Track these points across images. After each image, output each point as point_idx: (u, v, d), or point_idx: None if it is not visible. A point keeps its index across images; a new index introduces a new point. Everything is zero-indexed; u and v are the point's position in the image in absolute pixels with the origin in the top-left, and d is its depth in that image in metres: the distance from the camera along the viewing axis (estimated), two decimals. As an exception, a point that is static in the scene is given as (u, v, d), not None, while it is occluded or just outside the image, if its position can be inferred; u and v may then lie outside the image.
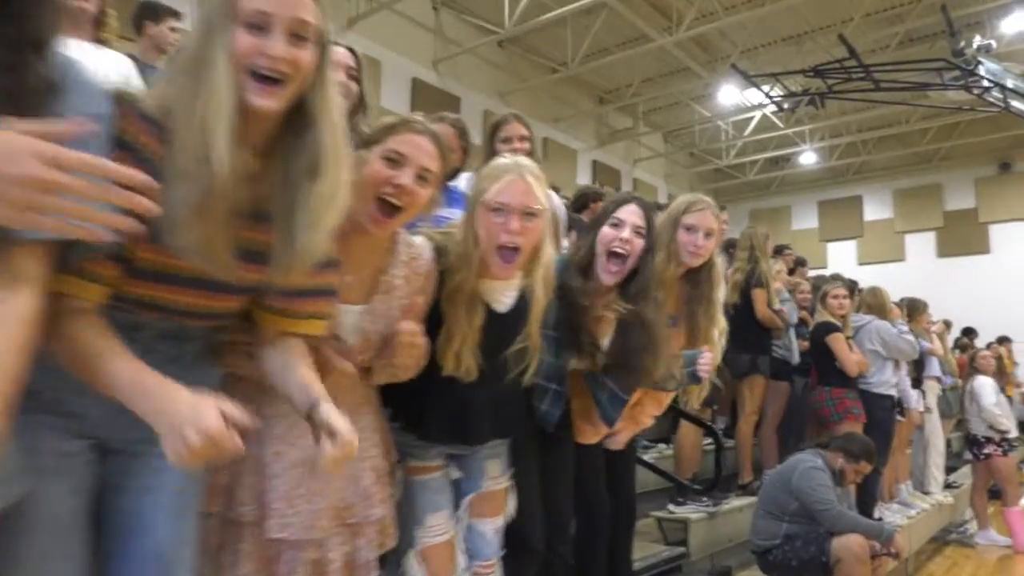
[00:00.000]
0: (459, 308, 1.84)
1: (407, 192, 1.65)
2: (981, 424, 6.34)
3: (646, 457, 4.64)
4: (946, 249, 18.33)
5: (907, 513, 5.54)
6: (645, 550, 4.10)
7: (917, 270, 17.55)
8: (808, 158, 18.51)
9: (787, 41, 14.12)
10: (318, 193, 1.27)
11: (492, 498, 2.06)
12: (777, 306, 4.98)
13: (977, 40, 11.56)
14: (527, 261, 1.93)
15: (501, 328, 1.93)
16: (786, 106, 16.16)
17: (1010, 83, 11.33)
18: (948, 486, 7.21)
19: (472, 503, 2.03)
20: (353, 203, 1.64)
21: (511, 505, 2.10)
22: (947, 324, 11.00)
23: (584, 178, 15.79)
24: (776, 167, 19.58)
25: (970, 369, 6.86)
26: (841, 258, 18.65)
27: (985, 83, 11.38)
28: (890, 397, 5.11)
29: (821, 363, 4.91)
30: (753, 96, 15.67)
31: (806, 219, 20.09)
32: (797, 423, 5.41)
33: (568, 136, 15.62)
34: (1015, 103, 11.93)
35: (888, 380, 5.04)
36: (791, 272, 7.08)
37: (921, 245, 18.64)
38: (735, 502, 4.64)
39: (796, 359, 5.26)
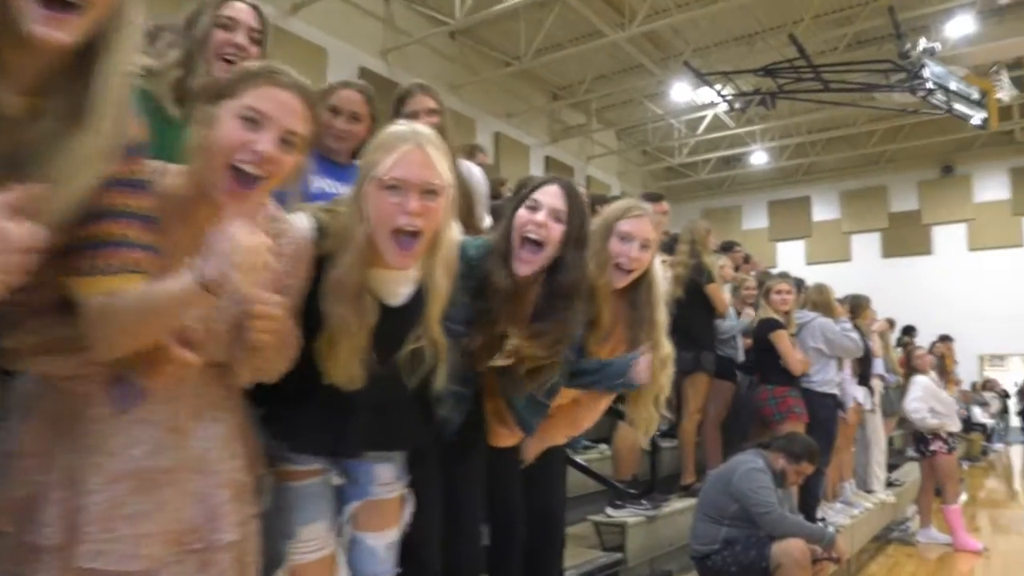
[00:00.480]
0: (344, 304, 1.54)
1: (267, 160, 1.36)
2: (930, 417, 6.29)
3: (581, 458, 4.42)
4: (890, 250, 18.61)
5: (850, 512, 5.43)
6: (581, 556, 3.88)
7: (863, 270, 17.77)
8: (759, 158, 18.60)
9: (739, 41, 14.10)
10: (78, 147, 1.03)
11: (382, 508, 1.75)
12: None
13: (923, 43, 11.66)
14: (427, 247, 1.63)
15: (395, 326, 1.65)
16: (737, 106, 16.18)
17: (953, 85, 11.45)
18: (890, 484, 7.17)
19: (358, 513, 1.71)
20: (200, 170, 1.38)
21: (407, 516, 1.81)
22: (890, 323, 11.06)
23: (537, 174, 15.59)
24: (728, 167, 19.65)
25: (908, 368, 6.83)
26: (790, 258, 18.78)
27: (929, 85, 11.48)
28: (833, 396, 4.98)
29: (763, 361, 4.76)
30: (705, 95, 15.65)
31: (756, 219, 20.21)
32: (743, 422, 5.26)
33: (521, 132, 15.40)
34: (958, 106, 12.06)
35: (831, 379, 4.91)
36: (737, 269, 6.96)
37: (867, 246, 18.89)
38: (676, 504, 4.45)
39: (741, 357, 5.11)
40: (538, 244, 1.96)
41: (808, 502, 4.79)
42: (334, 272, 1.55)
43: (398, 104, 2.70)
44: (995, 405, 16.17)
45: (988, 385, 16.86)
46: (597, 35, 12.42)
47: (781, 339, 4.64)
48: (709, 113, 17.00)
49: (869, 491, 6.33)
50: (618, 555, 3.91)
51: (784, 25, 13.02)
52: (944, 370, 10.19)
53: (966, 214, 17.86)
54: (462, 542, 2.08)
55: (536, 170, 15.75)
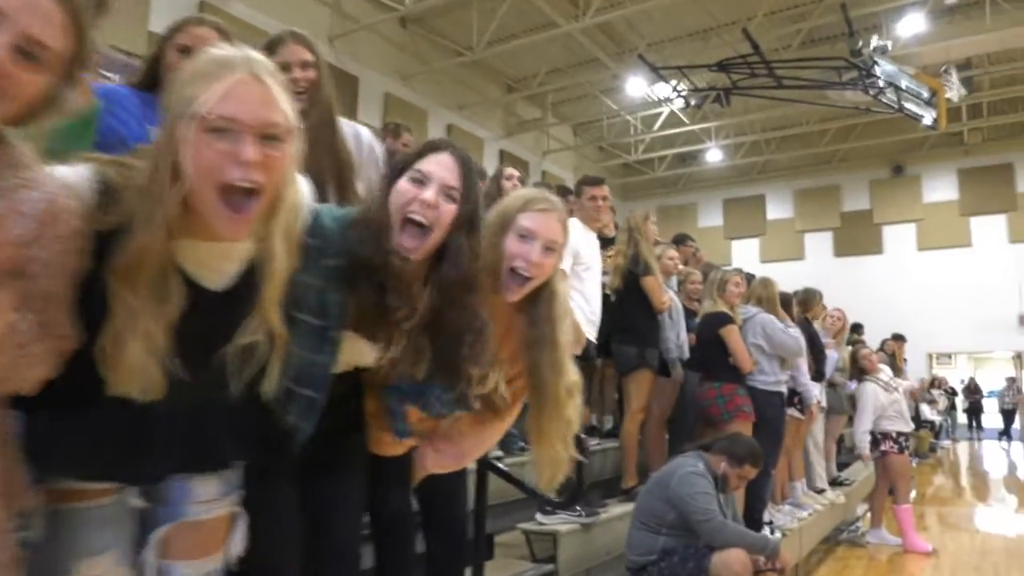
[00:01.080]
0: (136, 289, 1.16)
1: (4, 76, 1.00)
2: (880, 420, 6.10)
3: (514, 460, 4.10)
4: (842, 249, 18.67)
5: (798, 515, 5.19)
6: (508, 568, 3.55)
7: (815, 269, 17.75)
8: (714, 155, 18.51)
9: (693, 36, 13.92)
10: None
11: (201, 530, 1.37)
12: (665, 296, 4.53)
13: (874, 41, 11.61)
14: (265, 210, 1.24)
15: (218, 315, 1.28)
16: (693, 102, 16.05)
17: (904, 84, 11.41)
18: (839, 483, 6.99)
19: (167, 538, 1.34)
20: None
21: (236, 541, 1.43)
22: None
23: (491, 168, 15.24)
24: (683, 164, 19.55)
25: (854, 369, 6.59)
26: (745, 256, 18.73)
27: (881, 83, 11.44)
28: (780, 394, 4.73)
29: (710, 357, 4.48)
30: (661, 90, 15.50)
31: (712, 217, 20.15)
32: (691, 422, 4.98)
33: (474, 124, 15.02)
34: (909, 105, 12.04)
35: (778, 377, 4.66)
36: (687, 264, 6.73)
37: (819, 244, 18.94)
38: (616, 509, 4.14)
39: (686, 353, 4.81)
40: (421, 227, 1.54)
41: (754, 505, 4.52)
42: (126, 246, 1.15)
43: (266, 54, 2.30)
44: (943, 402, 16.29)
45: (936, 383, 17.00)
46: (551, 26, 12.10)
47: (732, 334, 4.37)
48: (665, 110, 16.86)
49: (818, 490, 6.11)
50: (549, 566, 3.58)
51: (738, 21, 12.86)
52: (896, 369, 10.10)
53: (916, 214, 18.00)
54: (333, 564, 1.72)
55: (490, 164, 15.39)
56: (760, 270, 13.59)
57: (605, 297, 4.65)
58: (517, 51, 13.81)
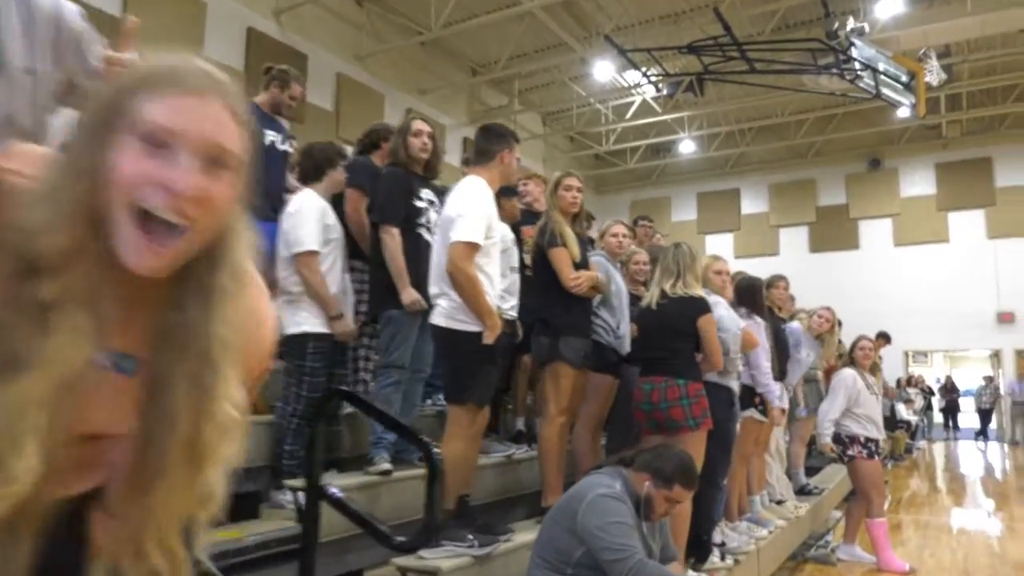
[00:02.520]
0: None
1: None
2: (849, 422, 5.36)
3: (402, 475, 3.29)
4: (818, 244, 18.03)
5: (756, 534, 4.42)
6: (378, 614, 2.75)
7: (790, 264, 16.99)
8: (687, 147, 17.78)
9: (664, 20, 13.13)
10: None
11: None
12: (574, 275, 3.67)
13: (851, 23, 10.93)
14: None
15: None
16: (664, 90, 15.31)
17: (881, 67, 10.71)
18: (808, 492, 6.24)
19: None
20: None
21: None
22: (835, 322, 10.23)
23: (454, 156, 14.41)
24: (657, 156, 18.81)
25: (848, 358, 5.83)
26: (719, 251, 17.80)
27: (858, 67, 10.74)
28: (728, 390, 3.93)
29: (676, 350, 3.62)
30: (631, 77, 14.75)
31: (686, 211, 19.42)
32: (635, 429, 4.17)
33: (436, 110, 14.13)
34: (886, 90, 11.35)
35: (729, 370, 3.87)
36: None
37: (795, 240, 18.27)
38: (526, 536, 3.32)
39: (626, 347, 4.00)
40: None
41: (702, 525, 3.74)
42: None
43: None
44: (919, 402, 15.64)
45: (913, 381, 16.36)
46: (513, 3, 11.32)
47: (712, 327, 3.56)
48: (637, 99, 16.10)
49: (780, 502, 5.34)
50: (430, 612, 2.78)
51: (710, 4, 12.08)
52: (875, 369, 9.37)
53: (893, 209, 17.37)
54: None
55: (454, 152, 14.56)
56: (734, 266, 12.90)
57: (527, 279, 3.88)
58: (480, 33, 13.02)
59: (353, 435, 3.77)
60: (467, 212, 3.00)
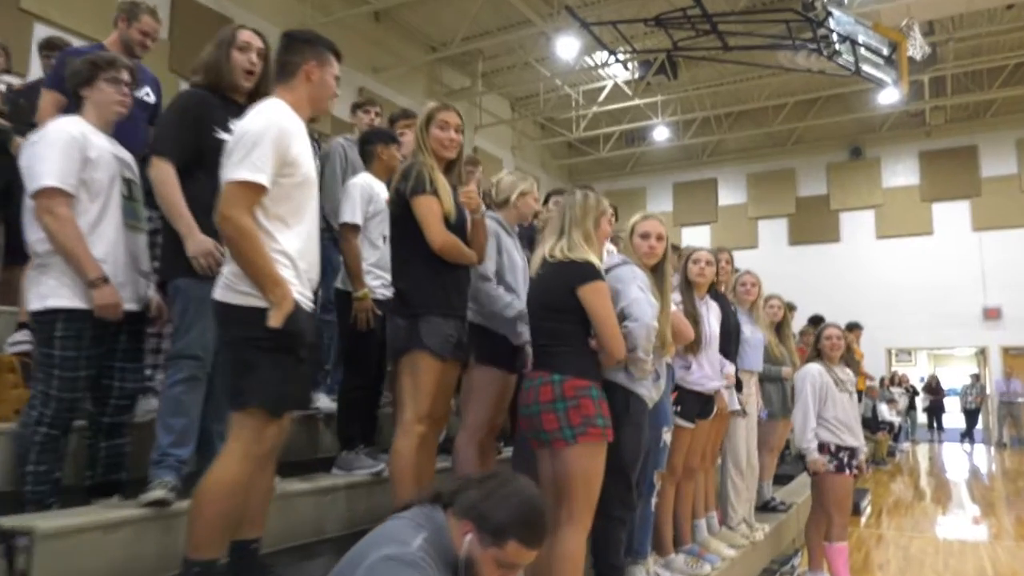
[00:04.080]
0: None
1: None
2: (817, 427, 4.45)
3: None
4: (798, 236, 17.18)
5: (698, 572, 3.48)
6: None
7: (770, 257, 16.23)
8: (661, 134, 16.89)
9: (631, -6, 12.23)
10: None
11: None
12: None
13: (829, -8, 10.08)
14: None
15: None
16: (635, 72, 14.43)
17: (861, 38, 9.84)
18: (771, 508, 5.32)
19: None
20: None
21: None
22: (789, 307, 9.36)
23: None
24: (631, 145, 17.92)
25: (812, 353, 4.88)
26: (696, 244, 17.15)
27: (836, 39, 9.88)
28: (636, 397, 2.96)
29: (550, 332, 2.70)
30: (600, 58, 13.85)
31: (661, 202, 18.51)
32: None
33: (392, 90, 13.16)
34: (867, 67, 10.48)
35: (633, 370, 2.91)
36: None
37: (773, 232, 17.42)
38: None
39: (526, 335, 3.03)
40: None
41: (607, 566, 2.80)
42: None
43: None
44: (903, 402, 14.81)
45: (896, 380, 15.53)
46: (466, -29, 10.40)
47: (598, 297, 2.56)
48: (608, 83, 15.21)
49: (732, 527, 4.40)
50: None
51: (680, -27, 11.17)
52: (851, 362, 8.48)
53: (875, 200, 16.55)
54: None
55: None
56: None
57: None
58: (437, 7, 12.08)
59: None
60: (247, 143, 2.07)
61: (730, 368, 3.99)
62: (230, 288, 2.10)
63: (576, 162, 18.11)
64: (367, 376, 3.34)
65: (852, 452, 4.41)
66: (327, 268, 3.65)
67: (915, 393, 16.72)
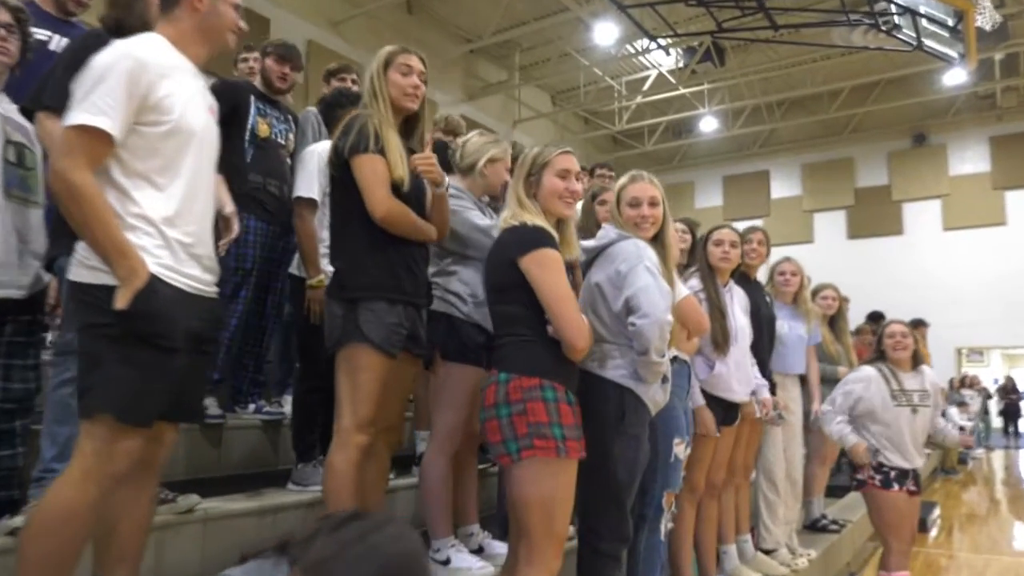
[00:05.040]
0: None
1: None
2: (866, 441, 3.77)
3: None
4: (857, 230, 16.14)
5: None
6: None
7: (827, 253, 15.26)
8: (709, 124, 16.09)
9: (674, -25, 11.52)
10: None
11: None
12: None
13: (888, -38, 9.23)
14: None
15: None
16: (679, 60, 13.71)
17: (923, 9, 8.98)
18: (821, 528, 4.63)
19: None
20: None
21: None
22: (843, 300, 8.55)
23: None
24: (677, 137, 17.15)
25: (876, 352, 4.16)
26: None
27: (895, 11, 9.03)
28: (632, 394, 2.39)
29: (503, 315, 2.12)
30: (641, 45, 13.18)
31: (710, 196, 17.68)
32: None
33: (428, 87, 12.73)
34: (929, 41, 9.59)
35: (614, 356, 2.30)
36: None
37: (831, 225, 16.42)
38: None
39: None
40: None
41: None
42: None
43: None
44: (975, 405, 13.66)
45: (967, 382, 14.37)
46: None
47: (547, 268, 1.93)
48: (652, 72, 14.52)
49: (768, 551, 3.72)
50: None
51: (725, -49, 10.45)
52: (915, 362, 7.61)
53: (941, 189, 15.41)
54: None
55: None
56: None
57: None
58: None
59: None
60: (89, 80, 1.60)
61: (765, 392, 3.32)
62: (82, 264, 1.63)
63: (621, 156, 17.38)
64: (325, 376, 2.84)
65: (904, 473, 3.70)
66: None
67: (988, 396, 15.49)
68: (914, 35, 9.47)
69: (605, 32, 11.90)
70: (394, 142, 2.23)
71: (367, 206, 2.15)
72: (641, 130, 16.57)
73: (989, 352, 18.23)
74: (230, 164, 3.06)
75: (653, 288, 2.16)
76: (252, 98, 3.19)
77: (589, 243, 2.40)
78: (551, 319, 2.00)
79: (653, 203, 2.38)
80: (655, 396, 2.31)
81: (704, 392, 2.92)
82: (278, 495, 2.73)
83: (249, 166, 3.02)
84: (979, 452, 13.22)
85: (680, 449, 2.58)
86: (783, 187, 17.03)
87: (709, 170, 17.66)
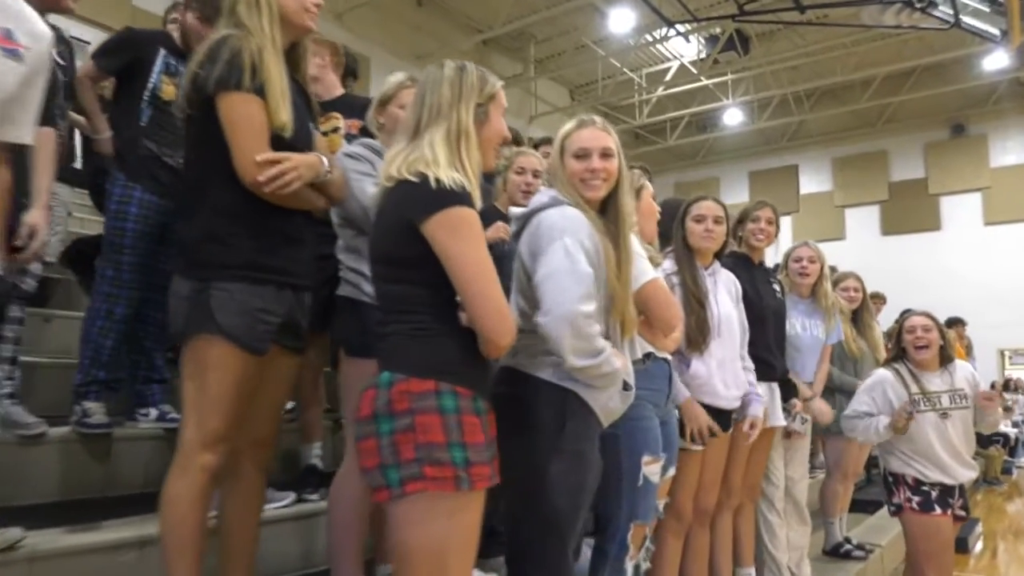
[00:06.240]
0: None
1: None
2: (888, 455, 3.16)
3: None
4: (891, 225, 15.28)
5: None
6: None
7: (860, 249, 14.44)
8: (734, 117, 15.38)
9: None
10: None
11: None
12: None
13: (922, -66, 8.53)
14: None
15: None
16: (701, 49, 13.07)
17: (962, -17, 8.27)
18: (844, 554, 4.00)
19: None
20: None
21: None
22: (882, 298, 7.86)
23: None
24: (702, 131, 16.46)
25: (896, 349, 3.53)
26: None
27: (930, -14, 8.32)
28: (576, 398, 1.78)
29: (391, 298, 1.55)
30: (659, 33, 12.56)
31: (736, 192, 16.90)
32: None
33: (439, 80, 12.30)
34: (968, 18, 8.86)
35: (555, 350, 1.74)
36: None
37: (863, 221, 15.58)
38: None
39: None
40: None
41: None
42: None
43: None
44: (1018, 411, 12.75)
45: (1011, 385, 13.45)
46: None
47: (459, 234, 1.41)
48: (673, 64, 13.89)
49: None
50: None
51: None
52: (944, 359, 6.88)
53: (981, 182, 14.48)
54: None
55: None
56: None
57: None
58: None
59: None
60: None
61: (756, 407, 2.71)
62: None
63: (643, 152, 16.75)
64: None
65: (947, 489, 3.10)
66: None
67: (1034, 399, 14.52)
68: (951, 12, 8.75)
69: (621, 19, 11.33)
70: (278, 76, 1.71)
71: (234, 163, 1.63)
72: (663, 125, 15.92)
73: (1034, 353, 17.19)
74: (118, 125, 2.59)
75: (562, 274, 1.63)
76: (162, 53, 2.70)
77: (517, 210, 1.86)
78: (464, 303, 1.46)
79: (606, 154, 1.84)
80: (608, 404, 1.76)
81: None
82: (124, 527, 2.16)
83: (142, 131, 2.53)
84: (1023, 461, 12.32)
85: (652, 469, 2.01)
86: (813, 182, 16.23)
87: (735, 165, 16.92)
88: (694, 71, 13.54)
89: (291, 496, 2.43)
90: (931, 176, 15.01)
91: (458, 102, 1.56)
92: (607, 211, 1.83)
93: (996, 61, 12.70)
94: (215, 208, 1.66)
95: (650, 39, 12.74)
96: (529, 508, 1.67)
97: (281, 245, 1.72)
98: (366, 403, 1.47)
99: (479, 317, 1.43)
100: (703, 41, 13.10)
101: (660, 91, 14.40)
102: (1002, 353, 14.46)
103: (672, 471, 2.26)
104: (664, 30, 11.90)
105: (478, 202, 1.55)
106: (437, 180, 1.48)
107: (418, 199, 1.49)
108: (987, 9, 8.53)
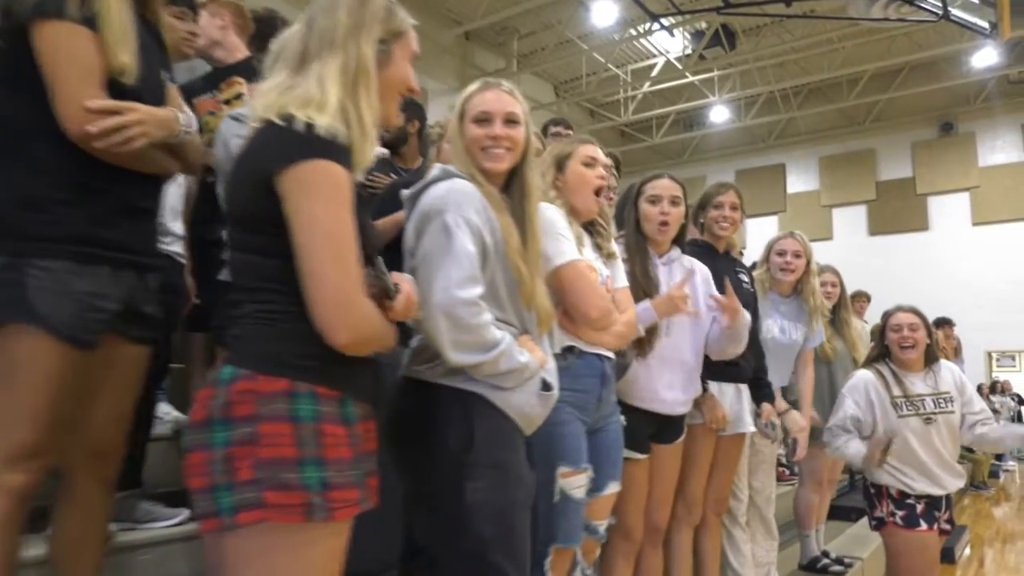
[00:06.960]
0: None
1: None
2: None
3: None
4: (879, 226, 15.06)
5: None
6: None
7: (847, 250, 14.15)
8: (720, 115, 15.14)
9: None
10: None
11: None
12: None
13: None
14: None
15: None
16: (687, 45, 12.81)
17: (951, -28, 8.03)
18: (822, 569, 3.71)
19: None
20: None
21: None
22: (866, 297, 7.58)
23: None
24: (687, 129, 16.22)
25: (877, 350, 3.25)
26: (762, 236, 15.03)
27: (919, -23, 8.08)
28: (466, 393, 1.49)
29: (241, 269, 1.23)
30: (643, 27, 12.29)
31: (723, 192, 16.70)
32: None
33: (420, 73, 11.65)
34: (956, 10, 8.62)
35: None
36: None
37: (851, 221, 15.35)
38: None
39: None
40: None
41: None
42: None
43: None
44: (1006, 413, 12.55)
45: (998, 388, 13.26)
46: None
47: (315, 194, 1.09)
48: (659, 60, 13.62)
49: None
50: None
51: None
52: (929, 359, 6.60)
53: (970, 181, 14.26)
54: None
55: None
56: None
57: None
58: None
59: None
60: None
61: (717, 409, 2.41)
62: None
63: (628, 150, 16.48)
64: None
65: (932, 501, 2.82)
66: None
67: (1021, 402, 14.34)
68: (940, 3, 8.51)
69: (603, 12, 11.05)
70: (117, 6, 1.40)
71: (56, 110, 1.32)
72: (649, 122, 15.66)
73: (1022, 356, 17.01)
74: None
75: (438, 255, 1.36)
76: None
77: (407, 191, 1.57)
78: (301, 278, 1.15)
79: (510, 120, 1.55)
80: (524, 407, 1.46)
81: (625, 404, 2.05)
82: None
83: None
84: (1011, 464, 12.12)
85: (572, 482, 1.71)
86: (800, 181, 16.00)
87: (721, 164, 16.66)
88: (680, 67, 13.27)
89: (184, 513, 2.11)
90: (919, 175, 14.79)
91: (357, 32, 1.25)
92: (511, 186, 1.53)
93: (985, 58, 12.51)
94: (33, 166, 1.35)
95: (635, 33, 12.47)
96: (451, 541, 1.37)
97: (120, 215, 1.40)
98: (200, 405, 1.16)
99: (311, 301, 1.12)
100: (688, 36, 12.85)
101: (646, 87, 14.12)
102: (989, 355, 14.28)
103: (615, 486, 1.96)
104: (648, 24, 11.64)
105: (365, 161, 1.24)
106: (309, 124, 1.16)
107: (280, 146, 1.17)
108: (976, 0, 8.29)
